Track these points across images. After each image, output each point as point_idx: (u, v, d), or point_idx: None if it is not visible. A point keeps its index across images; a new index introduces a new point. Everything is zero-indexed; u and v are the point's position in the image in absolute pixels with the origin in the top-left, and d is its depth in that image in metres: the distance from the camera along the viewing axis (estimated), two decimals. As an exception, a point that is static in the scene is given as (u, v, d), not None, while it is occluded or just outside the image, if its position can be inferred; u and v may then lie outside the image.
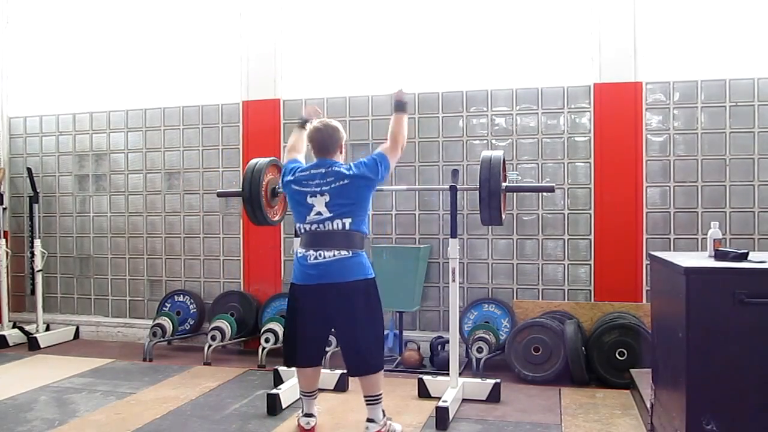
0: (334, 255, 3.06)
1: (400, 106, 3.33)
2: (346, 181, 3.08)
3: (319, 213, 3.09)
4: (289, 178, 3.20)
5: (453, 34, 4.93)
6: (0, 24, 5.95)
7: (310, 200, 3.11)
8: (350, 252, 3.07)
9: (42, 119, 5.95)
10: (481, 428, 3.40)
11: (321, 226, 3.09)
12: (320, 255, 3.07)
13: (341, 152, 3.24)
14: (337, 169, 3.12)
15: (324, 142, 3.17)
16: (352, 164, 3.16)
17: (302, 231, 3.15)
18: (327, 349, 3.40)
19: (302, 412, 3.32)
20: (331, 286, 3.07)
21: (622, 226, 4.58)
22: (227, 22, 5.38)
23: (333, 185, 3.08)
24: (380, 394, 3.16)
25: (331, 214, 3.07)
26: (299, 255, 3.15)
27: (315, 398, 3.34)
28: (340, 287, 3.07)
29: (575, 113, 4.72)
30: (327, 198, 3.08)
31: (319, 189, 3.09)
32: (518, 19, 4.81)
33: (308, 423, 3.28)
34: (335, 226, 3.07)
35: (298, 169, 3.21)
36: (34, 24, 5.93)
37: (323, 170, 3.13)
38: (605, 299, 4.56)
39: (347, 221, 3.08)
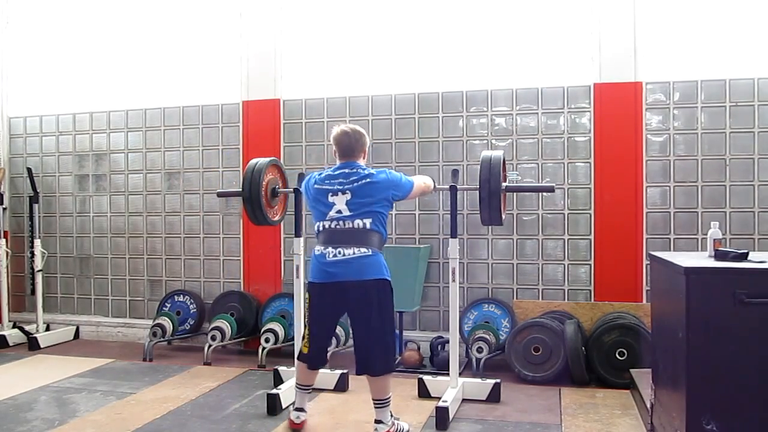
0: (354, 252, 3.07)
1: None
2: (368, 180, 3.12)
3: (339, 211, 3.11)
4: (315, 180, 3.24)
5: (453, 34, 4.92)
6: (0, 24, 5.95)
7: (330, 198, 3.14)
8: (369, 250, 3.08)
9: (42, 119, 5.94)
10: (481, 428, 3.40)
11: (340, 223, 3.10)
12: (339, 252, 3.08)
13: (364, 156, 3.30)
14: (361, 170, 3.17)
15: (351, 146, 3.23)
16: (377, 170, 3.22)
17: (321, 229, 3.16)
18: (329, 349, 3.40)
19: (294, 405, 3.33)
20: (349, 283, 3.07)
21: (622, 226, 4.58)
22: (227, 22, 5.38)
23: (355, 184, 3.12)
24: (388, 398, 3.15)
25: (351, 213, 3.10)
26: (317, 253, 3.15)
27: (309, 393, 3.38)
28: (358, 285, 3.07)
29: (575, 113, 4.72)
30: (348, 196, 3.11)
31: (341, 187, 3.13)
32: (518, 19, 4.81)
33: (298, 417, 3.29)
34: (355, 225, 3.09)
35: (323, 173, 3.26)
36: (34, 24, 5.93)
37: (347, 170, 3.18)
38: (605, 299, 4.56)
39: (367, 221, 3.09)
